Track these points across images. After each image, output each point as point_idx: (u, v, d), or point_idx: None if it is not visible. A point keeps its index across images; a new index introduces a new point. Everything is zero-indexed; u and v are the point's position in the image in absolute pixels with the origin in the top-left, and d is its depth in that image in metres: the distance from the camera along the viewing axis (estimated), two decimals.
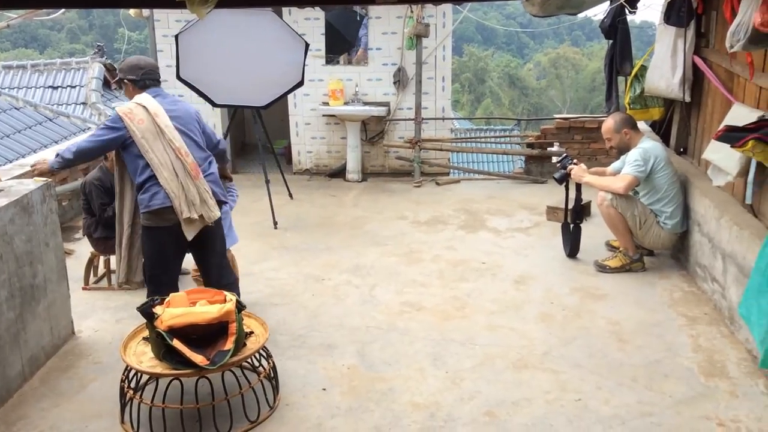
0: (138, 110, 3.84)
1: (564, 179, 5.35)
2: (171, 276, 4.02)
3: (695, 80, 5.46)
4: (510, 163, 15.15)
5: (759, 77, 4.26)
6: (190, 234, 3.83)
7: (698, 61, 5.32)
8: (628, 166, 5.01)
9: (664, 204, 5.01)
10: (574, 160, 5.35)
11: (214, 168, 4.08)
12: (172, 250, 3.96)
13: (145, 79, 4.00)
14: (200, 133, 4.07)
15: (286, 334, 4.26)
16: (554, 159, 7.50)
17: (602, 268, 5.13)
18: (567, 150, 7.54)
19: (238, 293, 4.07)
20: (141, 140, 3.77)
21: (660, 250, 5.33)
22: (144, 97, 3.93)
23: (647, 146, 5.02)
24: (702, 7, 5.31)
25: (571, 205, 5.40)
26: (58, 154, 3.98)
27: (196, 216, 3.79)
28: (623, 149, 5.17)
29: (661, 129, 6.33)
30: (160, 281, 3.96)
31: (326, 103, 7.92)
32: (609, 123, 5.21)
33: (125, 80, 4.06)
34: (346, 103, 7.88)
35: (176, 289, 3.81)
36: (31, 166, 4.42)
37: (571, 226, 5.38)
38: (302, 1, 2.53)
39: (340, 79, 7.88)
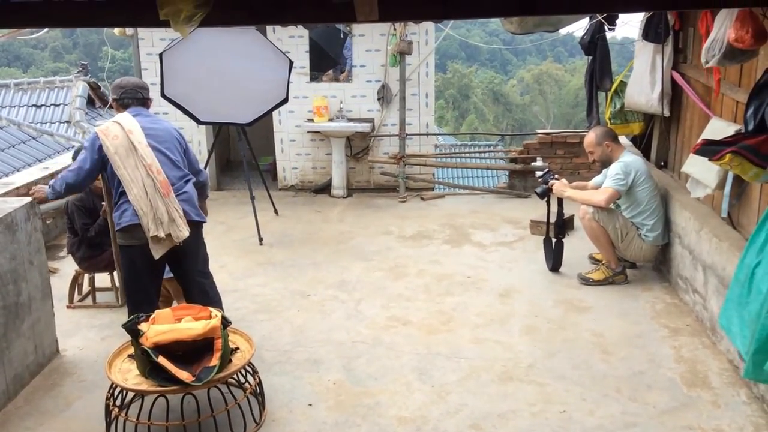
0: (114, 127, 3.91)
1: (546, 194, 5.41)
2: (146, 295, 4.00)
3: (674, 95, 5.55)
4: (494, 178, 15.20)
5: (735, 92, 4.34)
6: (157, 253, 3.83)
7: (676, 76, 5.42)
8: (609, 180, 5.08)
9: (645, 217, 5.07)
10: (555, 176, 5.42)
11: (190, 188, 4.06)
12: (145, 268, 3.95)
13: (124, 98, 4.09)
14: (179, 153, 4.09)
15: (272, 349, 4.26)
16: (537, 174, 7.56)
17: (585, 281, 5.18)
18: (549, 165, 7.62)
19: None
20: (114, 156, 3.82)
21: (642, 262, 5.39)
22: (122, 116, 4.01)
23: (628, 160, 5.09)
24: (679, 24, 5.42)
25: (553, 220, 5.45)
26: (50, 186, 4.07)
27: (163, 234, 3.79)
28: (606, 162, 5.25)
29: (641, 143, 6.41)
30: (136, 299, 3.96)
31: (311, 120, 7.96)
32: (591, 137, 5.29)
33: (112, 100, 4.18)
34: (330, 120, 7.92)
35: (154, 308, 3.73)
36: (30, 193, 4.48)
37: (554, 240, 5.43)
38: (285, 19, 2.57)
39: (325, 96, 7.93)
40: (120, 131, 3.89)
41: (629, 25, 7.02)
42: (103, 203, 4.86)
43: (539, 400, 3.65)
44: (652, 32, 5.51)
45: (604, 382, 3.80)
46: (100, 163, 3.90)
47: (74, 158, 4.60)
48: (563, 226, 5.45)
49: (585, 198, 5.18)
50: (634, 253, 5.18)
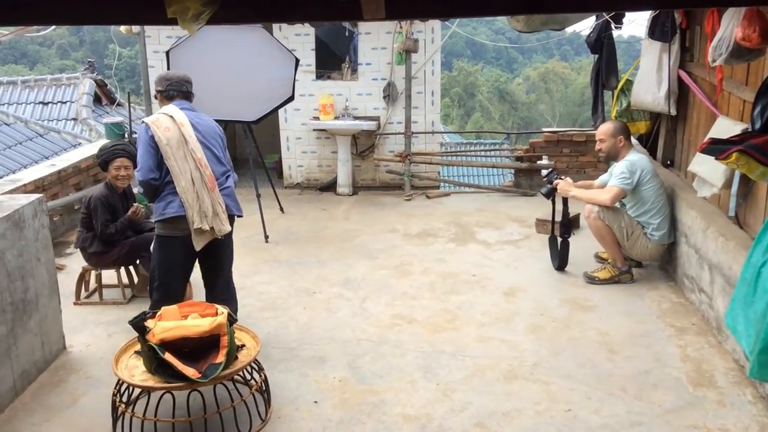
0: (164, 119, 3.95)
1: (551, 194, 5.40)
2: (178, 286, 4.09)
3: (681, 94, 5.54)
4: (499, 177, 15.22)
5: (742, 90, 4.33)
6: (198, 244, 3.90)
7: (683, 75, 5.41)
8: (614, 179, 5.07)
9: (651, 216, 5.06)
10: (560, 175, 5.41)
11: (231, 183, 4.18)
12: (181, 261, 4.03)
13: (170, 90, 4.14)
14: (221, 149, 4.17)
15: (278, 347, 4.27)
16: (543, 173, 7.55)
17: (591, 280, 5.17)
18: (554, 164, 7.61)
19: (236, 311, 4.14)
20: (165, 147, 3.86)
21: (648, 261, 5.38)
22: (170, 108, 4.05)
23: (634, 159, 5.08)
24: (686, 22, 5.41)
25: (558, 219, 5.44)
26: (139, 191, 4.20)
27: (207, 227, 3.87)
28: (612, 156, 5.24)
29: (648, 142, 6.40)
30: (168, 290, 4.01)
31: (317, 118, 7.96)
32: (608, 126, 5.27)
33: (156, 92, 4.21)
34: (336, 118, 7.92)
35: (181, 300, 3.89)
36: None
37: (560, 240, 5.42)
38: (292, 17, 2.57)
39: (331, 94, 7.93)
40: (171, 123, 3.93)
41: (636, 23, 7.00)
42: (134, 203, 4.92)
43: (544, 398, 3.65)
44: (658, 30, 5.50)
45: (610, 381, 3.80)
46: (158, 153, 3.90)
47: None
48: (569, 225, 5.44)
49: (590, 197, 5.17)
50: (640, 252, 5.17)
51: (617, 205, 5.13)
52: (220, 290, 4.15)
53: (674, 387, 3.73)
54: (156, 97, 4.29)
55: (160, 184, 3.92)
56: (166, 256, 4.02)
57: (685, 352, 4.10)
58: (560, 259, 5.41)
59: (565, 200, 5.38)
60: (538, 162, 7.87)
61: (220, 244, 4.01)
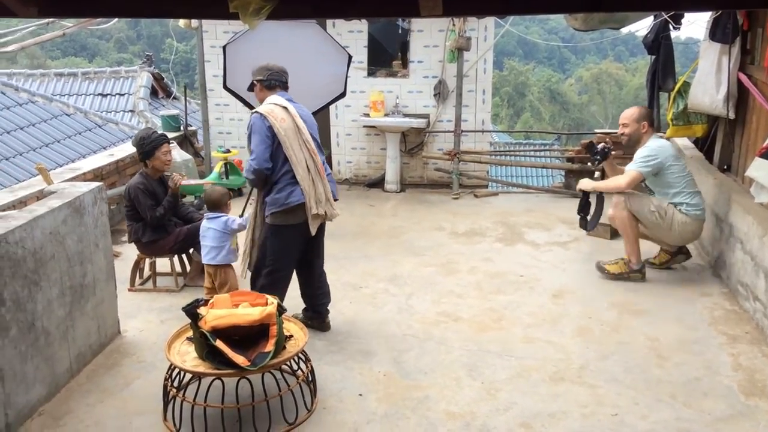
0: (278, 110, 4.03)
1: (600, 160, 5.35)
2: (289, 273, 4.25)
3: (740, 97, 5.41)
4: (549, 178, 15.06)
5: None
6: (314, 229, 4.08)
7: (743, 78, 5.28)
8: (633, 163, 5.06)
9: (683, 195, 5.03)
10: (612, 149, 5.36)
11: (329, 170, 4.29)
12: (296, 248, 4.18)
13: (272, 80, 4.19)
14: (318, 138, 4.28)
15: (324, 339, 4.32)
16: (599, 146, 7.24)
17: (601, 270, 5.24)
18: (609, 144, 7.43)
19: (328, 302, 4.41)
20: (284, 137, 3.96)
21: (692, 241, 5.27)
22: (277, 98, 4.12)
23: (654, 145, 5.06)
24: (748, 24, 5.27)
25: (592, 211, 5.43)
26: (247, 180, 4.18)
27: (322, 212, 4.04)
28: (635, 141, 5.20)
29: (704, 146, 6.27)
30: (280, 277, 4.18)
31: (367, 115, 8.01)
32: (633, 111, 5.23)
33: (254, 81, 4.24)
34: (386, 115, 7.96)
35: (286, 288, 4.20)
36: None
37: (595, 197, 5.36)
38: (348, 13, 2.61)
39: (381, 90, 7.96)
40: (285, 114, 4.03)
41: (695, 24, 6.84)
42: (168, 187, 5.02)
43: (591, 401, 3.61)
44: (719, 32, 5.38)
45: (658, 387, 3.74)
46: (273, 143, 3.97)
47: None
48: (597, 216, 5.39)
49: (607, 185, 5.19)
50: (682, 232, 5.07)
51: (645, 191, 5.09)
52: (317, 277, 4.34)
53: (725, 396, 3.65)
54: (254, 86, 4.28)
55: (272, 174, 4.01)
56: (283, 244, 4.13)
57: (737, 361, 4.01)
58: (593, 218, 5.37)
59: (597, 195, 5.36)
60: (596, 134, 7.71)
61: (319, 231, 4.20)
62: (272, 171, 4.01)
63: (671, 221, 5.04)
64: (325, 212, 4.09)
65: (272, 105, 4.06)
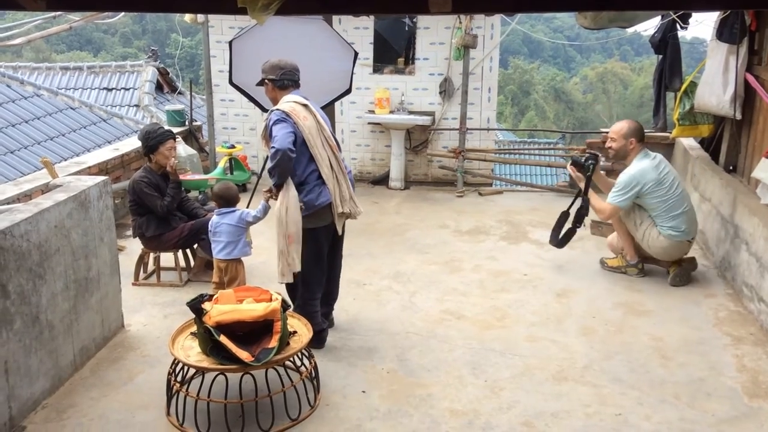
0: (299, 108, 3.93)
1: (587, 169, 5.28)
2: (324, 274, 4.17)
3: (747, 97, 5.39)
4: (553, 176, 15.03)
5: None
6: (340, 228, 4.04)
7: (750, 78, 5.26)
8: (611, 194, 5.09)
9: (661, 219, 5.05)
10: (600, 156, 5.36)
11: (349, 167, 4.24)
12: (326, 248, 4.11)
13: (284, 79, 4.06)
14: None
15: (328, 336, 4.31)
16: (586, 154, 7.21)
17: (602, 264, 5.41)
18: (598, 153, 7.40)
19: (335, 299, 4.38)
20: (308, 135, 3.88)
21: (665, 258, 5.19)
22: (297, 97, 4.00)
23: (635, 170, 5.03)
24: (755, 24, 5.25)
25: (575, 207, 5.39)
26: (270, 173, 3.87)
27: (347, 210, 4.00)
28: (621, 156, 5.21)
29: (710, 146, 6.25)
30: (319, 282, 4.11)
31: (372, 111, 8.00)
32: (622, 126, 5.21)
33: (266, 80, 4.11)
34: (391, 112, 7.95)
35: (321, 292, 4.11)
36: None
37: (567, 227, 5.40)
38: (357, 9, 2.60)
39: (387, 87, 7.96)
40: (306, 112, 3.94)
41: (702, 24, 6.80)
42: (170, 182, 5.03)
43: (594, 401, 3.61)
44: (726, 32, 5.36)
45: (662, 388, 3.73)
46: (299, 141, 3.85)
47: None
48: (581, 217, 5.32)
49: (594, 204, 5.24)
50: (652, 245, 5.09)
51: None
52: (335, 276, 4.30)
53: (729, 397, 3.64)
54: (265, 84, 4.13)
55: (298, 174, 3.89)
56: (317, 248, 4.02)
57: (741, 362, 4.00)
58: (563, 238, 5.42)
59: (587, 190, 5.33)
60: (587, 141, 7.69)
61: (342, 234, 4.15)
62: (297, 170, 3.87)
63: (649, 239, 5.10)
64: (350, 210, 4.04)
65: (292, 103, 3.95)
